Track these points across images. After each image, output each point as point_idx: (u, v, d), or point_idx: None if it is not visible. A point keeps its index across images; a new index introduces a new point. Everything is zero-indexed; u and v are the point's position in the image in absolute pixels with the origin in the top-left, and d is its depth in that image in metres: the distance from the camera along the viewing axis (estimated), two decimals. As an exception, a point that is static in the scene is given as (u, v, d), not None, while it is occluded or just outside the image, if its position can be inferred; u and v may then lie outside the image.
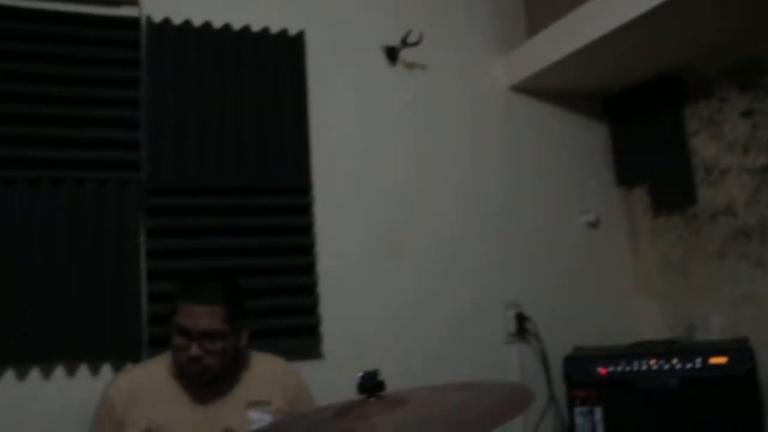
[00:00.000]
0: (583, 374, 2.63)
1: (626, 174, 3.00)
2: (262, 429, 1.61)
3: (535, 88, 2.86)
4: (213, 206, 2.26)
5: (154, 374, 1.94)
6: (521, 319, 2.71)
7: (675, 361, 2.44)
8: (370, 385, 1.26)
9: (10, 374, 2.04)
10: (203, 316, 1.83)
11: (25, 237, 2.05)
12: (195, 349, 1.83)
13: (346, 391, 1.31)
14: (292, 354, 2.16)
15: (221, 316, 1.85)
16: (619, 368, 2.57)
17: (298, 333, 2.32)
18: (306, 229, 2.38)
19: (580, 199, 2.90)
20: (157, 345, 2.10)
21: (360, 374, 1.26)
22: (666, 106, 2.83)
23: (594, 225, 2.91)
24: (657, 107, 2.86)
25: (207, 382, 1.90)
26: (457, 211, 2.68)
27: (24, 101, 2.11)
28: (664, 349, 2.51)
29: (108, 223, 2.13)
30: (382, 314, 2.48)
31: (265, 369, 2.03)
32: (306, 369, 2.15)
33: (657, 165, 2.87)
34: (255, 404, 1.93)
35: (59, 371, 2.09)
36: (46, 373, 2.07)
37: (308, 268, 2.35)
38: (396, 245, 2.55)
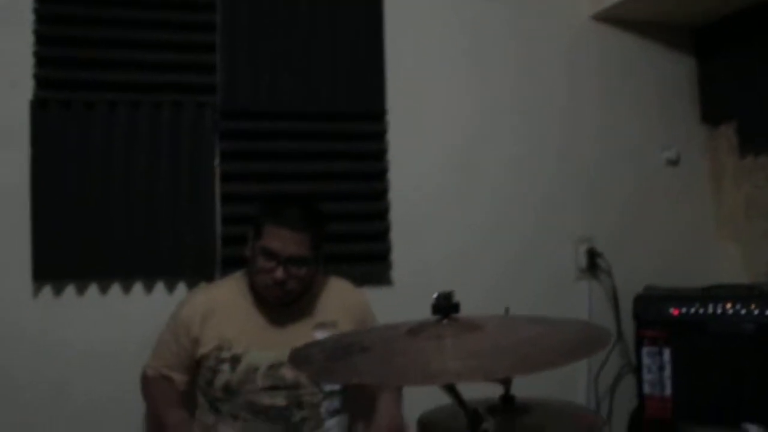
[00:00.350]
0: (654, 314, 2.57)
1: (712, 110, 2.85)
2: (342, 335, 1.63)
3: (619, 18, 2.72)
4: (286, 131, 2.26)
5: (227, 293, 2.00)
6: (593, 254, 2.65)
7: (753, 306, 2.35)
8: (445, 306, 1.25)
9: (93, 288, 2.13)
10: (291, 242, 1.85)
11: (105, 159, 2.11)
12: (280, 273, 1.86)
13: (414, 318, 1.31)
14: (362, 280, 2.18)
15: (308, 243, 1.88)
16: (693, 310, 2.50)
17: (369, 259, 2.33)
18: (379, 155, 2.36)
19: (662, 134, 2.77)
20: (230, 266, 2.15)
21: (435, 294, 1.25)
22: (759, 38, 2.65)
23: (674, 162, 2.79)
24: (749, 40, 2.68)
25: (284, 304, 1.94)
26: (532, 142, 2.61)
27: (102, 26, 2.13)
28: (742, 293, 2.42)
29: (184, 146, 2.17)
30: (452, 243, 2.46)
31: (333, 292, 2.06)
32: (375, 295, 2.18)
33: (747, 101, 2.71)
34: (321, 325, 1.96)
35: (137, 287, 2.17)
36: (126, 289, 2.16)
37: (380, 195, 2.35)
38: (469, 174, 2.51)
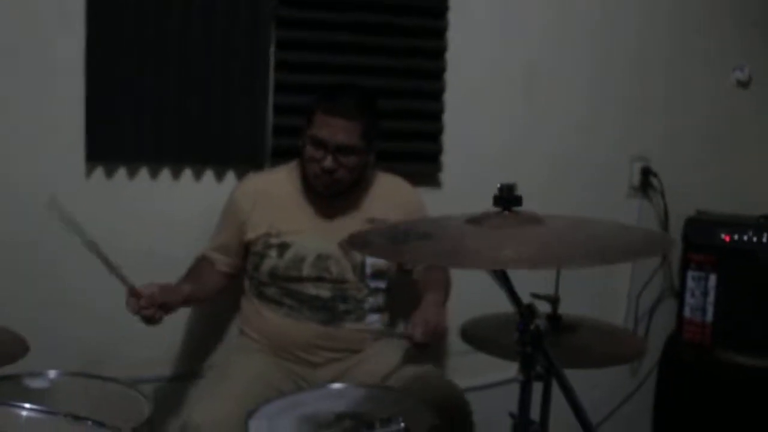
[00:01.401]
0: (703, 238, 2.52)
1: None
2: (398, 223, 1.62)
3: None
4: (344, 22, 2.19)
5: (279, 182, 2.00)
6: (647, 173, 2.58)
7: (809, 238, 2.29)
8: (507, 197, 1.22)
9: (143, 172, 2.14)
10: (341, 130, 1.83)
11: (160, 43, 2.06)
12: (329, 162, 1.84)
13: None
14: (411, 180, 2.15)
15: (358, 132, 1.85)
16: (745, 237, 2.45)
17: (420, 159, 2.31)
18: (438, 53, 2.28)
19: (732, 54, 2.64)
20: (280, 156, 2.14)
21: (498, 185, 1.22)
22: None
23: (744, 84, 2.65)
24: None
25: (333, 195, 1.93)
26: (599, 52, 2.50)
27: None
28: (800, 225, 2.36)
29: (239, 33, 2.11)
30: (505, 151, 2.40)
31: (387, 188, 2.04)
32: (423, 196, 2.14)
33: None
34: (373, 221, 1.95)
35: (187, 174, 2.17)
36: (176, 175, 2.16)
37: (436, 94, 2.28)
38: (529, 85, 2.43)
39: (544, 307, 1.57)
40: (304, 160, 1.91)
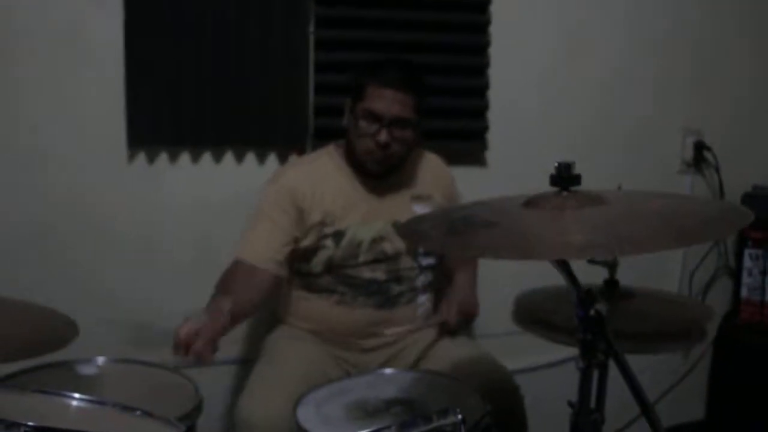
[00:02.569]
0: (762, 214, 2.40)
1: None
2: (447, 209, 1.57)
3: None
4: (386, -2, 2.13)
5: (324, 167, 1.93)
6: (700, 147, 2.48)
7: None
8: (566, 176, 1.16)
9: (185, 156, 2.12)
10: (396, 102, 1.78)
11: (198, 27, 2.03)
12: (384, 135, 1.78)
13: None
14: (456, 158, 2.10)
15: (412, 105, 1.80)
16: (807, 213, 2.34)
17: (464, 137, 2.25)
18: (482, 27, 2.21)
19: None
20: (322, 137, 2.10)
21: (555, 164, 1.16)
22: None
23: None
24: None
25: (384, 172, 1.88)
26: (646, 28, 2.40)
27: None
28: None
29: (277, 12, 2.06)
30: (554, 128, 2.32)
31: (426, 165, 2.00)
32: (468, 175, 2.11)
33: None
34: (418, 198, 1.92)
35: (228, 157, 2.14)
36: (217, 158, 2.14)
37: (480, 70, 2.22)
38: (576, 60, 2.34)
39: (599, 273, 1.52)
40: (353, 136, 1.84)
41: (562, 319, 1.27)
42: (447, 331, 1.90)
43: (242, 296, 1.70)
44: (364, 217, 1.87)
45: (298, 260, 1.90)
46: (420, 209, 1.89)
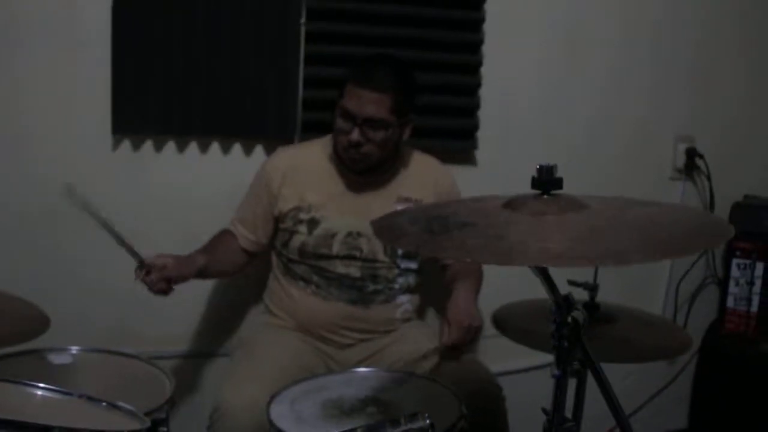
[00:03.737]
0: (752, 225, 2.41)
1: None
2: (427, 206, 1.54)
3: None
4: (377, -10, 2.10)
5: (311, 156, 1.94)
6: (692, 154, 2.46)
7: None
8: (547, 180, 1.14)
9: (170, 146, 2.08)
10: (370, 103, 1.76)
11: (188, 15, 1.99)
12: (356, 135, 1.78)
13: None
14: (446, 157, 2.08)
15: (388, 106, 1.78)
16: (796, 224, 2.33)
17: (455, 135, 2.22)
18: (476, 24, 2.18)
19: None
20: (310, 130, 2.07)
21: (537, 166, 1.14)
22: None
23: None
24: None
25: (362, 170, 1.88)
26: (639, 31, 2.38)
27: None
28: None
29: (268, 2, 2.04)
30: (546, 129, 2.31)
31: (421, 167, 1.98)
32: (458, 174, 2.07)
33: None
34: (405, 200, 1.90)
35: (215, 147, 2.11)
36: (203, 148, 2.11)
37: (473, 68, 2.19)
38: (569, 60, 2.32)
39: (580, 295, 1.50)
40: (334, 132, 1.85)
41: (542, 328, 1.25)
42: (450, 356, 1.80)
43: (218, 257, 1.88)
44: (341, 211, 1.88)
45: (279, 243, 1.93)
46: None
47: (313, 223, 1.87)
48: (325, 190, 1.89)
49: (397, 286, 1.92)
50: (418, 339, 1.89)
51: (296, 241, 1.88)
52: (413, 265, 1.94)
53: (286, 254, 1.92)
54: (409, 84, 1.85)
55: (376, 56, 1.90)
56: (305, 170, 1.91)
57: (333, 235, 1.87)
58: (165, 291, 1.70)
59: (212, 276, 1.95)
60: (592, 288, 1.56)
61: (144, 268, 1.66)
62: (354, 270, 1.87)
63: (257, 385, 1.62)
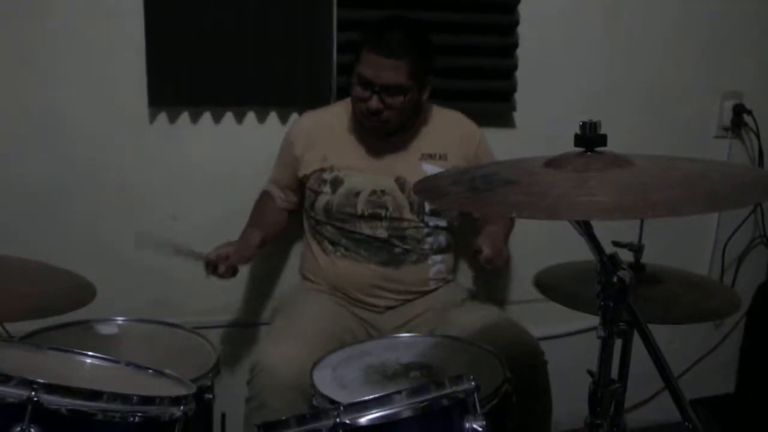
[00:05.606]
0: (803, 181, 2.32)
1: None
2: (468, 168, 1.52)
3: None
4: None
5: (333, 118, 1.96)
6: (740, 111, 2.37)
7: None
8: (591, 136, 1.10)
9: (206, 117, 2.09)
10: (387, 69, 1.75)
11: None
12: (374, 102, 1.78)
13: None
14: (483, 119, 2.04)
15: (405, 71, 1.76)
16: None
17: (492, 97, 2.18)
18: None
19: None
20: (345, 96, 2.04)
21: (580, 122, 1.10)
22: None
23: None
24: None
25: (383, 135, 1.88)
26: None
27: None
28: None
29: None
30: (584, 89, 2.24)
31: (444, 123, 1.96)
32: (496, 137, 2.05)
33: None
34: (430, 157, 1.90)
35: (250, 117, 2.11)
36: (239, 118, 2.10)
37: (509, 29, 2.14)
38: (610, 16, 2.24)
39: (625, 256, 1.47)
40: (352, 99, 1.85)
41: (585, 290, 1.23)
42: (482, 260, 1.74)
43: (267, 226, 1.95)
44: (364, 169, 1.88)
45: (308, 205, 1.96)
46: (430, 168, 1.86)
47: (336, 182, 1.88)
48: (347, 151, 1.90)
49: (426, 246, 1.91)
50: (459, 303, 1.90)
51: (321, 200, 1.90)
52: (442, 223, 1.92)
53: (313, 216, 1.94)
54: (424, 46, 1.82)
55: (390, 20, 1.86)
56: (327, 132, 1.93)
57: (357, 194, 1.87)
58: (233, 275, 1.79)
59: (269, 243, 1.98)
60: (637, 249, 1.53)
61: (211, 264, 1.75)
62: (380, 231, 1.87)
63: (296, 343, 1.66)
